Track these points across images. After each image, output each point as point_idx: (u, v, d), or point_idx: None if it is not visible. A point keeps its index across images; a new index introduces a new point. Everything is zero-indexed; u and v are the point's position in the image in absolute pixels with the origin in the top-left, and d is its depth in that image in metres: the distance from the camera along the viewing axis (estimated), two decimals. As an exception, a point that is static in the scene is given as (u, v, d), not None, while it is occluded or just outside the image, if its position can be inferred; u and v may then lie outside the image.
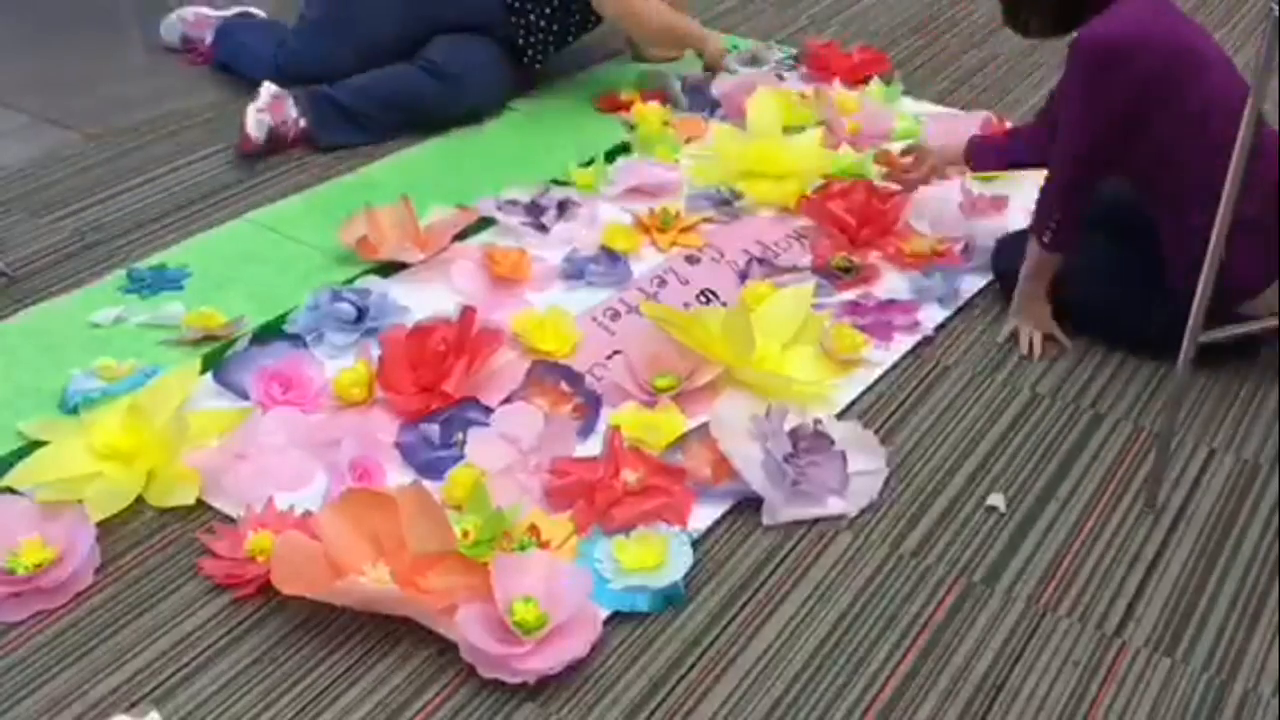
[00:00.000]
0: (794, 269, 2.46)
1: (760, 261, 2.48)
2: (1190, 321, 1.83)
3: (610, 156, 2.86)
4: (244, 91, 2.91)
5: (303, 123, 2.86)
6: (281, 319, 2.32)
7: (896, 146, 2.81)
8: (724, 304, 2.39)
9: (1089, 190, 2.19)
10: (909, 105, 3.10)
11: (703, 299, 2.41)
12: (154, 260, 2.50)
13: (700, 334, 2.17)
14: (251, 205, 2.69)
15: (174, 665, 1.71)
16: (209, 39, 3.25)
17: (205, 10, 3.34)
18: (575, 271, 2.45)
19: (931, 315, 2.38)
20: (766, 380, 2.16)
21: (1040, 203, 2.22)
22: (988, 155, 2.51)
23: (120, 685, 1.69)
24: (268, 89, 2.85)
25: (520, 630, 1.68)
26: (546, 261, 2.50)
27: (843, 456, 1.99)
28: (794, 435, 2.00)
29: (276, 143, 2.85)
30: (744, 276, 2.45)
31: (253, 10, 3.36)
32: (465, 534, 1.83)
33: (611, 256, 2.48)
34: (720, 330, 2.16)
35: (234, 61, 3.17)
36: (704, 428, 2.03)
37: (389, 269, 2.47)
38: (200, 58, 3.26)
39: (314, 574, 1.74)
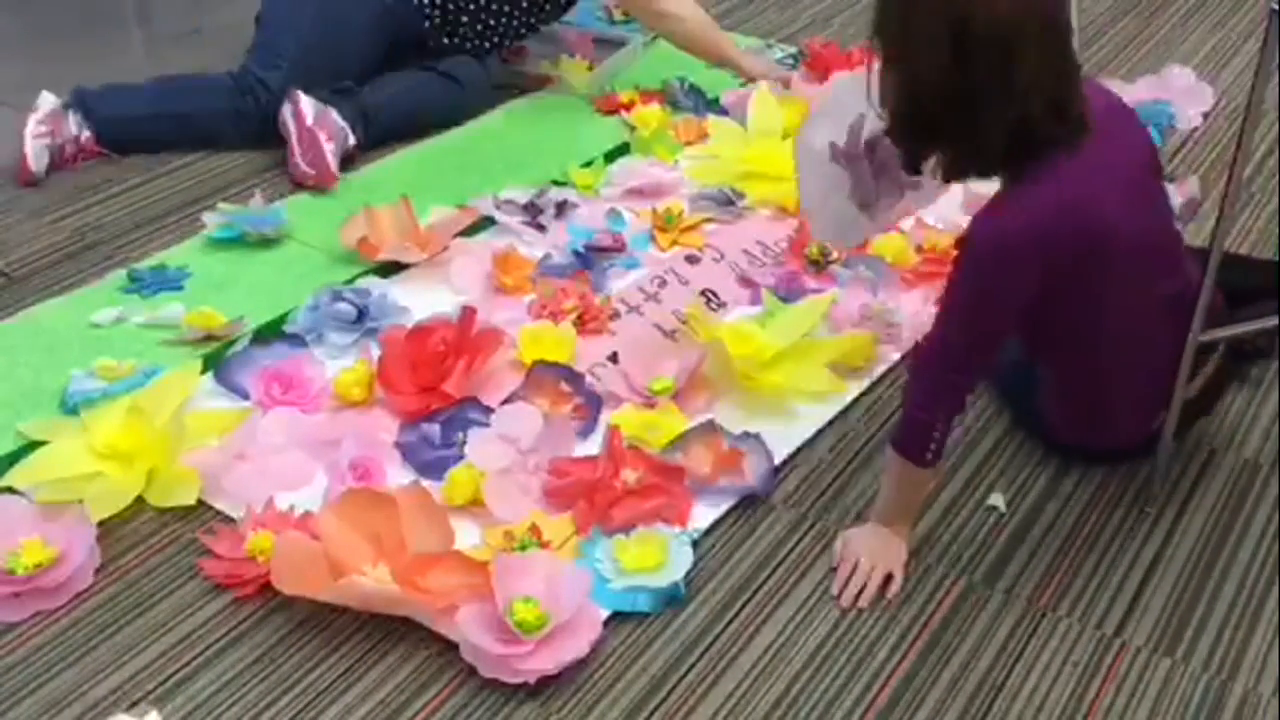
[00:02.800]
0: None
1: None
2: (1194, 322, 1.83)
3: (610, 157, 2.85)
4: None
5: (352, 141, 2.79)
6: (281, 319, 2.32)
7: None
8: (723, 304, 2.39)
9: (973, 383, 1.86)
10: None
11: (703, 298, 2.41)
12: (154, 260, 2.50)
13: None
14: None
15: (174, 665, 1.71)
16: (75, 129, 2.77)
17: (41, 114, 2.77)
18: (552, 271, 2.45)
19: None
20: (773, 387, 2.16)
21: (912, 416, 1.81)
22: None
23: (120, 685, 1.69)
24: (308, 103, 2.70)
25: (521, 630, 1.67)
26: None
27: None
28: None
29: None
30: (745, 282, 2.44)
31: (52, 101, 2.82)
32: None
33: (585, 258, 2.48)
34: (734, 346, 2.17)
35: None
36: (704, 426, 2.03)
37: (389, 269, 2.47)
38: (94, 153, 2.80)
39: (314, 574, 1.74)
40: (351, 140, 2.79)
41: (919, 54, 1.64)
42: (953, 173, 1.77)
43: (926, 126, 1.70)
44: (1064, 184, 1.69)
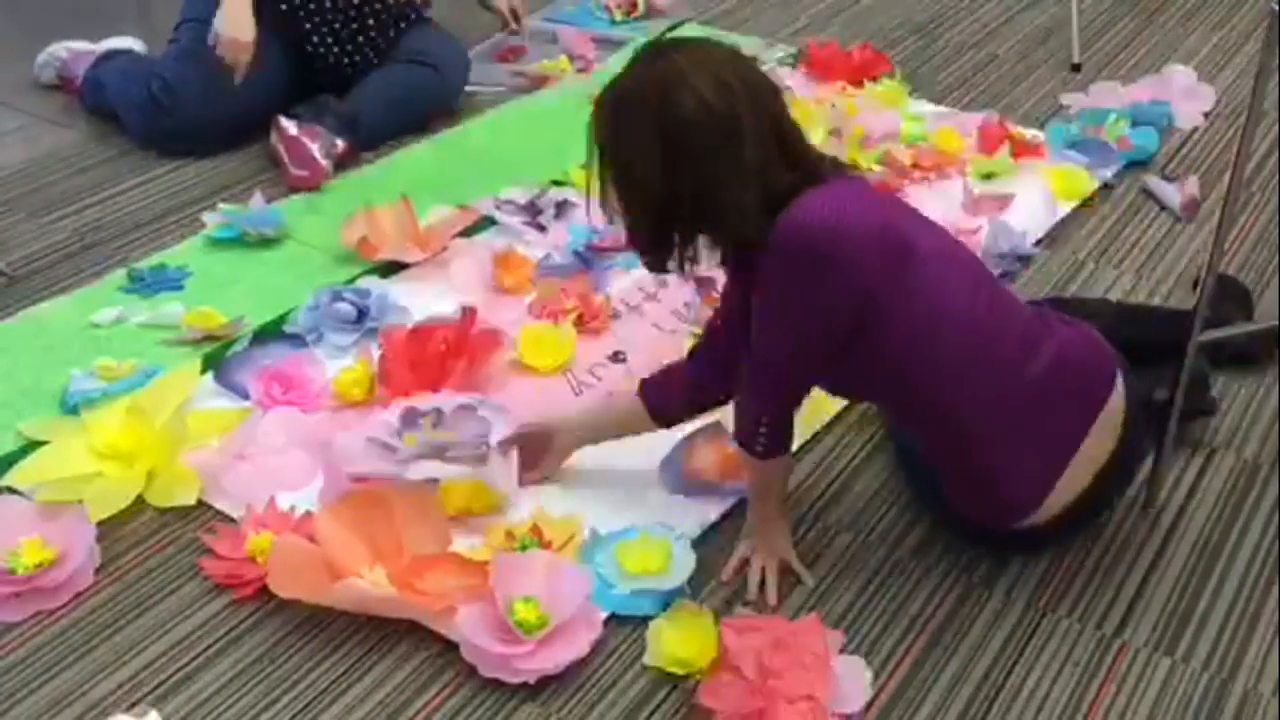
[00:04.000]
0: None
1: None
2: (1194, 323, 1.83)
3: (610, 157, 2.85)
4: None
5: (341, 144, 2.80)
6: (281, 319, 2.32)
7: (902, 148, 2.82)
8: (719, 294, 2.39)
9: (799, 388, 1.78)
10: (912, 105, 3.09)
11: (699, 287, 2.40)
12: (154, 260, 2.50)
13: None
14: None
15: (174, 665, 1.71)
16: (81, 78, 3.05)
17: (80, 45, 3.15)
18: (552, 271, 2.45)
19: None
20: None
21: (742, 409, 1.80)
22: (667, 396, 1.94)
23: (120, 685, 1.69)
24: (288, 122, 2.74)
25: (521, 630, 1.67)
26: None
27: None
28: None
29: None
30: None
31: (128, 45, 3.17)
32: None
33: (585, 258, 2.48)
34: None
35: (103, 107, 2.99)
36: (711, 428, 2.02)
37: (389, 269, 2.47)
38: (77, 94, 3.07)
39: (311, 578, 1.74)
40: (340, 145, 2.79)
41: (637, 165, 1.62)
42: (725, 250, 1.72)
43: (671, 226, 1.66)
44: (852, 191, 1.68)
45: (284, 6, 2.83)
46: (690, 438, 2.01)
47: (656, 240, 1.69)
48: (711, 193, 1.61)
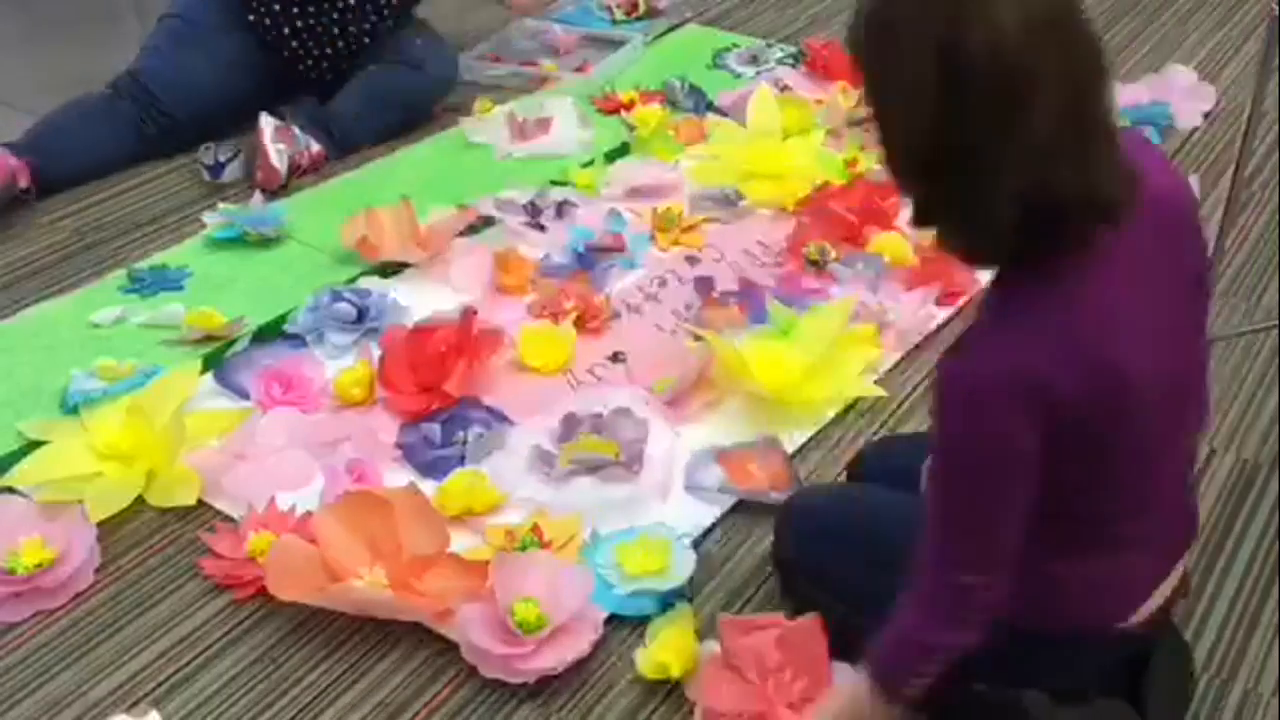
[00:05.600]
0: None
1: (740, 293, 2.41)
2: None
3: (610, 157, 2.85)
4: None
5: (315, 148, 2.80)
6: (281, 319, 2.32)
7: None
8: (722, 295, 2.39)
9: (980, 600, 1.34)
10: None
11: (700, 289, 2.41)
12: (154, 260, 2.50)
13: (738, 364, 2.13)
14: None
15: (174, 665, 1.72)
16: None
17: None
18: (552, 271, 2.45)
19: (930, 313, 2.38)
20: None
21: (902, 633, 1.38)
22: None
23: (120, 685, 1.69)
24: (267, 121, 2.74)
25: (521, 630, 1.67)
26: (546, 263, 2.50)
27: None
28: None
29: (293, 172, 2.77)
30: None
31: None
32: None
33: (585, 258, 2.48)
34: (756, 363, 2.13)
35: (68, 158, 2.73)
36: (767, 441, 2.03)
37: (389, 269, 2.47)
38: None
39: (309, 579, 1.74)
40: (315, 148, 2.80)
41: (901, 90, 1.19)
42: (961, 252, 1.28)
43: (919, 181, 1.24)
44: (1068, 313, 1.25)
45: (260, 9, 2.84)
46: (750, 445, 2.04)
47: (913, 193, 1.26)
48: (966, 164, 1.19)
